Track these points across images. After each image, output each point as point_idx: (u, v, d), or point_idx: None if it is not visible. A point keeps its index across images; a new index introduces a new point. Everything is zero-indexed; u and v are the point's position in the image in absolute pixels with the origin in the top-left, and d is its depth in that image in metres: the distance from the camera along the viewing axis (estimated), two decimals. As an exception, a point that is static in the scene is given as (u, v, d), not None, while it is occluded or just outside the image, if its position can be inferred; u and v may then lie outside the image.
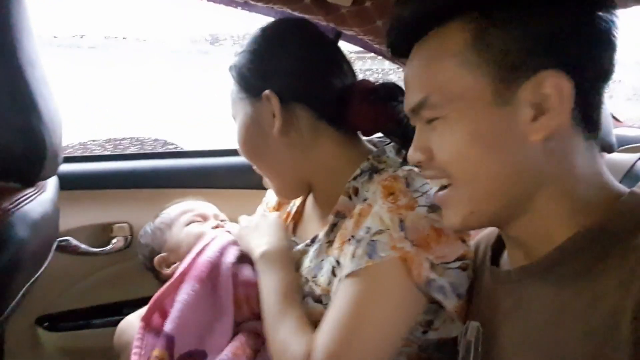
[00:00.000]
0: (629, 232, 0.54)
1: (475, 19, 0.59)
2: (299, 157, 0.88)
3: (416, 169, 0.77)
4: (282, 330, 0.78)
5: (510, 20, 0.57)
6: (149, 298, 1.04)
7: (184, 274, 0.90)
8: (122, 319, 1.05)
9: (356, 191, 0.84)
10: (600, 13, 0.57)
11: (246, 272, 0.91)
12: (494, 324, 0.66)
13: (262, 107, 0.85)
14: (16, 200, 0.66)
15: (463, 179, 0.62)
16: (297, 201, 1.03)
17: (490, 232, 0.79)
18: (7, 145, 0.66)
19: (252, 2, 1.15)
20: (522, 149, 0.58)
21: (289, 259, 0.89)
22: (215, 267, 0.90)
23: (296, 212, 1.02)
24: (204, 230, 1.05)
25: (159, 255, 1.09)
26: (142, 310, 0.98)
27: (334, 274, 0.80)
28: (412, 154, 0.66)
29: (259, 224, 0.95)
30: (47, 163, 0.71)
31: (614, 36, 0.58)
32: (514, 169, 0.59)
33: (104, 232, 1.34)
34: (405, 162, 0.83)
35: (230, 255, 0.93)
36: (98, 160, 1.41)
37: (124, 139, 1.90)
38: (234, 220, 1.30)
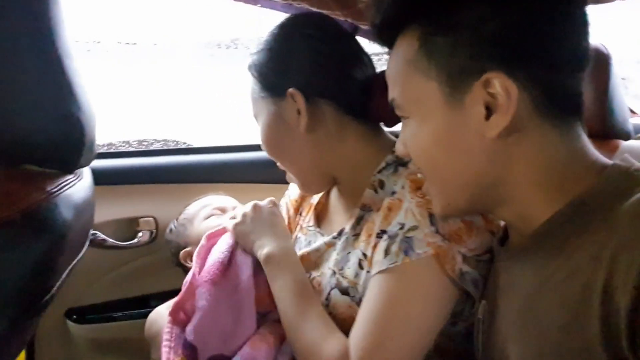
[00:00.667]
0: (608, 203, 0.55)
1: (422, 27, 0.63)
2: (325, 152, 0.88)
3: None
4: (307, 331, 0.78)
5: (453, 26, 0.60)
6: (174, 290, 1.05)
7: (195, 277, 0.89)
8: (148, 311, 1.06)
9: (382, 184, 0.84)
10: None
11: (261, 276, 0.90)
12: (494, 301, 0.68)
13: (286, 105, 0.85)
14: (59, 184, 0.68)
15: (430, 175, 0.67)
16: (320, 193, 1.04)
17: None
18: (47, 132, 0.68)
19: (272, -1, 1.17)
20: (482, 146, 0.61)
21: (295, 256, 0.89)
22: (226, 267, 0.89)
23: (319, 202, 1.02)
24: (222, 222, 1.07)
25: (184, 250, 1.12)
26: (171, 302, 0.99)
27: (360, 266, 0.81)
28: (397, 146, 0.72)
29: (255, 221, 0.92)
30: (84, 150, 0.73)
31: (575, 23, 0.60)
32: (476, 165, 0.62)
33: (130, 226, 1.36)
34: None
35: (245, 256, 0.92)
36: (124, 157, 1.44)
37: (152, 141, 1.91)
38: None
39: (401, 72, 0.66)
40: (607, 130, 1.12)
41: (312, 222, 1.00)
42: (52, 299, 0.71)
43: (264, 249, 0.88)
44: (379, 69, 0.91)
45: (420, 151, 0.66)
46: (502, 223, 0.76)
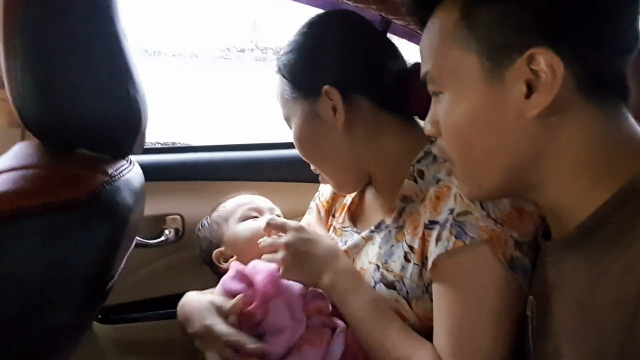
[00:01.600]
0: None
1: None
2: (363, 148, 0.87)
3: None
4: (393, 349, 0.76)
5: None
6: (201, 290, 1.05)
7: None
8: (175, 312, 1.02)
9: (421, 174, 0.83)
10: None
11: (313, 297, 0.90)
12: (543, 297, 0.65)
13: (321, 103, 0.84)
14: (118, 167, 0.66)
15: (462, 155, 0.64)
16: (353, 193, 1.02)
17: None
18: (105, 114, 0.66)
19: (305, -8, 1.16)
20: (520, 126, 0.58)
21: (354, 272, 0.85)
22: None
23: (352, 203, 1.01)
24: (259, 226, 1.04)
25: (217, 250, 1.09)
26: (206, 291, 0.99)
27: (407, 259, 0.80)
28: (425, 125, 0.69)
29: (297, 257, 0.85)
30: (140, 136, 0.71)
31: (628, 2, 0.58)
32: (513, 146, 0.60)
33: (156, 224, 1.33)
34: None
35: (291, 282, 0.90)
36: (151, 153, 1.41)
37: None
38: (286, 213, 1.31)
39: (438, 42, 0.64)
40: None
41: (346, 223, 0.99)
42: (112, 288, 0.68)
43: (322, 280, 0.84)
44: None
45: (453, 129, 0.63)
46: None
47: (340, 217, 1.01)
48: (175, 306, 1.23)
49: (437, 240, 0.73)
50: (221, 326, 0.83)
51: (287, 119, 0.92)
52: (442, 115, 0.64)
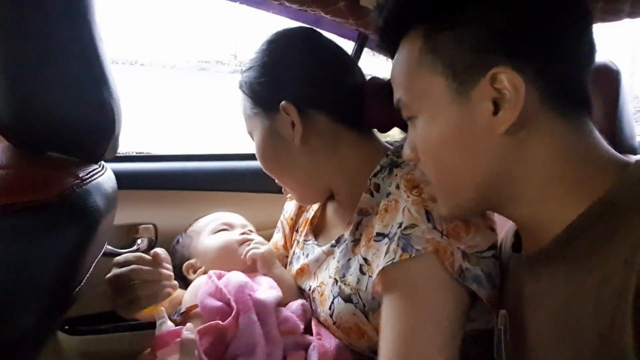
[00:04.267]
0: (635, 205, 0.53)
1: (426, 24, 0.63)
2: (322, 163, 0.88)
3: None
4: None
5: (458, 21, 0.60)
6: None
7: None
8: (145, 323, 1.03)
9: (377, 187, 0.83)
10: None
11: (288, 310, 0.90)
12: (519, 311, 0.66)
13: (279, 119, 0.85)
14: (90, 171, 0.65)
15: (439, 177, 0.66)
16: (315, 206, 1.03)
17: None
18: (78, 117, 0.65)
19: (288, 4, 1.17)
20: (491, 142, 0.60)
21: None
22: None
23: (314, 216, 1.02)
24: (230, 239, 1.07)
25: (187, 262, 1.10)
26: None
27: (362, 271, 0.81)
28: (404, 151, 0.71)
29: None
30: (112, 140, 0.70)
31: (580, 16, 0.60)
32: (487, 162, 0.61)
33: (128, 233, 1.31)
34: None
35: (265, 294, 0.90)
36: (125, 161, 1.39)
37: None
38: (260, 223, 1.30)
39: (407, 70, 0.66)
40: (616, 147, 1.14)
41: (309, 236, 1.00)
42: (79, 294, 0.66)
43: None
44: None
45: (429, 152, 0.65)
46: (513, 228, 0.75)
47: (303, 232, 1.03)
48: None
49: (385, 252, 0.73)
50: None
51: (250, 134, 0.93)
52: (418, 139, 0.66)
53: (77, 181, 0.60)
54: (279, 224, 1.15)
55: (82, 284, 0.66)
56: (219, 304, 0.87)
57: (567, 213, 0.58)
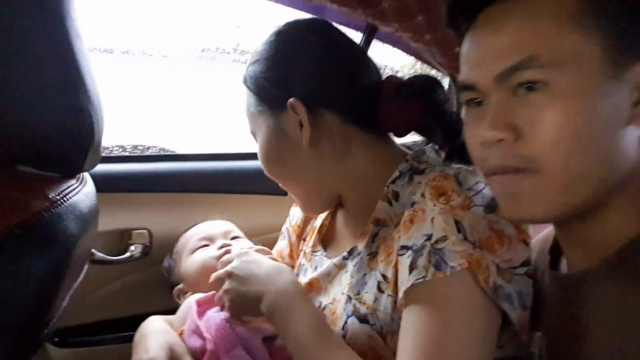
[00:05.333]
0: None
1: None
2: (331, 168, 0.81)
3: (466, 167, 0.72)
4: None
5: None
6: (169, 311, 0.99)
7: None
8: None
9: (396, 195, 0.77)
10: None
11: (279, 345, 0.83)
12: (560, 333, 0.62)
13: (286, 118, 0.79)
14: (63, 190, 0.57)
15: (554, 165, 0.54)
16: (323, 214, 0.96)
17: (545, 235, 0.75)
18: (51, 126, 0.57)
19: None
20: (619, 134, 0.53)
21: (299, 291, 0.78)
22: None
23: (322, 225, 0.95)
24: (207, 257, 1.02)
25: (176, 288, 1.07)
26: (168, 317, 0.95)
27: (380, 289, 0.74)
28: (491, 132, 0.56)
29: (239, 282, 0.82)
30: (92, 151, 0.62)
31: None
32: (608, 157, 0.54)
33: (121, 239, 1.25)
34: (447, 162, 0.78)
35: (253, 328, 0.84)
36: (116, 162, 1.32)
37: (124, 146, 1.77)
38: (263, 227, 1.22)
39: (552, 24, 0.54)
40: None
41: (317, 247, 0.93)
42: (57, 323, 0.59)
43: (263, 302, 0.78)
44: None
45: (552, 128, 0.53)
46: (548, 244, 0.70)
47: (310, 241, 0.96)
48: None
49: (412, 267, 0.66)
50: None
51: (253, 134, 0.87)
52: (536, 116, 0.54)
53: (46, 204, 0.52)
54: (284, 230, 1.08)
55: (59, 312, 0.59)
56: (199, 343, 0.82)
57: (630, 230, 0.54)
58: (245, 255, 0.85)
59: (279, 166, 0.85)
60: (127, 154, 1.49)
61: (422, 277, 0.64)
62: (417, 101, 0.78)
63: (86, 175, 0.69)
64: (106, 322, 1.25)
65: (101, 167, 1.24)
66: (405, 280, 0.67)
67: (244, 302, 0.81)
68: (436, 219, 0.67)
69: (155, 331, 0.88)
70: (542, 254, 0.71)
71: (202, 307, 0.88)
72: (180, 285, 1.05)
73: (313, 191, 0.85)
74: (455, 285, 0.64)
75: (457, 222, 0.65)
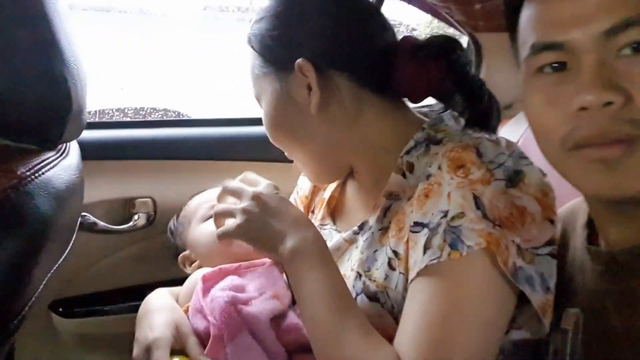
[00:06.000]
0: None
1: None
2: (341, 135, 0.78)
3: (488, 136, 0.68)
4: (347, 344, 0.64)
5: None
6: (174, 281, 0.96)
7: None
8: None
9: (411, 167, 0.73)
10: None
11: (290, 318, 0.78)
12: (600, 313, 0.59)
13: (294, 81, 0.75)
14: (35, 165, 0.52)
15: None
16: (332, 185, 0.91)
17: (572, 210, 0.72)
18: (24, 94, 0.53)
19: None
20: None
21: (326, 247, 0.73)
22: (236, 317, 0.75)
23: (331, 197, 0.91)
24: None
25: (182, 254, 1.01)
26: (174, 289, 0.91)
27: (391, 266, 0.71)
28: (596, 94, 0.51)
29: (263, 213, 0.74)
30: (71, 119, 0.57)
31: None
32: None
33: (124, 208, 1.22)
34: (466, 130, 0.73)
35: (260, 306, 0.78)
36: (117, 127, 1.28)
37: (127, 108, 1.71)
38: None
39: None
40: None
41: (326, 219, 0.89)
42: (38, 301, 0.57)
43: (286, 243, 0.71)
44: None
45: None
46: (583, 220, 0.67)
47: (319, 213, 0.92)
48: (146, 296, 1.17)
49: (426, 247, 0.63)
50: None
51: (258, 98, 0.82)
52: None
53: (13, 182, 0.47)
54: (292, 201, 1.03)
55: (38, 291, 0.55)
56: (204, 324, 0.78)
57: None
58: (261, 199, 0.76)
59: (285, 133, 0.80)
60: (129, 119, 1.44)
61: (437, 257, 0.62)
62: (435, 63, 0.73)
63: (70, 145, 0.63)
64: (111, 292, 1.23)
65: (102, 134, 1.26)
66: (419, 261, 0.64)
67: (261, 231, 0.74)
68: (453, 194, 0.63)
69: (161, 307, 0.85)
70: (573, 229, 0.69)
71: (208, 284, 0.84)
72: (187, 252, 1.01)
73: (321, 160, 0.81)
74: (471, 265, 0.61)
75: (475, 198, 0.62)
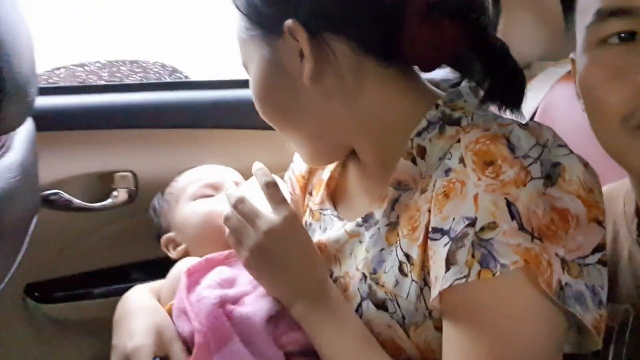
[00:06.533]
0: None
1: None
2: (339, 110, 0.70)
3: (519, 121, 0.61)
4: None
5: None
6: (158, 260, 0.95)
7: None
8: (129, 286, 0.88)
9: (423, 152, 0.66)
10: None
11: (289, 316, 0.70)
12: None
13: (283, 46, 0.68)
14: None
15: None
16: (331, 164, 0.85)
17: (609, 195, 0.65)
18: None
19: None
20: None
21: (339, 294, 0.70)
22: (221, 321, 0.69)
23: (331, 177, 0.84)
24: (214, 210, 0.88)
25: (166, 236, 0.94)
26: (154, 284, 0.85)
27: (402, 272, 0.64)
28: None
29: (274, 252, 0.69)
30: (9, 102, 0.46)
31: None
32: None
33: (102, 183, 1.13)
34: (483, 105, 0.67)
35: (255, 305, 0.71)
36: (91, 92, 1.17)
37: (121, 62, 1.58)
38: (268, 167, 1.12)
39: None
40: None
41: (326, 204, 0.82)
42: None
43: (300, 296, 0.69)
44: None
45: None
46: (631, 208, 0.64)
47: (318, 196, 0.85)
48: (129, 280, 1.15)
49: (449, 262, 0.57)
50: None
51: (245, 65, 0.75)
52: None
53: None
54: (286, 179, 0.96)
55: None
56: (189, 328, 0.71)
57: None
58: (286, 214, 0.70)
59: (274, 107, 0.74)
60: (104, 82, 1.33)
61: (464, 276, 0.55)
62: (451, 25, 0.65)
63: (14, 138, 0.52)
64: (92, 274, 1.16)
65: (75, 100, 1.14)
66: (441, 278, 0.57)
67: (270, 276, 0.70)
68: (481, 199, 0.56)
69: (141, 309, 0.78)
70: (612, 215, 0.66)
71: (193, 277, 0.76)
72: (172, 234, 0.94)
73: (316, 140, 0.75)
74: (508, 288, 0.55)
75: (509, 205, 0.55)
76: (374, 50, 0.68)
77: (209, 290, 0.72)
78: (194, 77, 1.74)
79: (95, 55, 1.66)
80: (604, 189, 0.67)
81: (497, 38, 0.69)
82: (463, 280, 0.55)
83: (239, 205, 0.71)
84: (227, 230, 0.73)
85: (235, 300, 0.71)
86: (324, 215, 0.81)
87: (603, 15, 0.51)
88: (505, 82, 0.66)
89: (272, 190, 0.71)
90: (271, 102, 0.73)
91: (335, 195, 0.83)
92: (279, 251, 0.69)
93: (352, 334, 0.66)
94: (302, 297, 0.68)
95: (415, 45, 0.67)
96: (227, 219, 0.73)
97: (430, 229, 0.61)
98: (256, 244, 0.69)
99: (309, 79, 0.67)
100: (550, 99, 1.05)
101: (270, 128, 1.18)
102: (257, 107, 0.75)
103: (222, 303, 0.69)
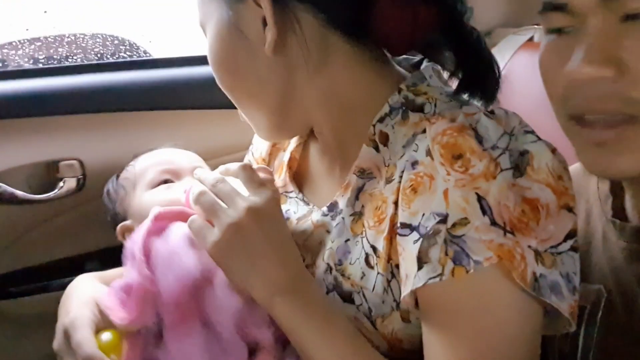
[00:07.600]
0: None
1: None
2: (301, 84, 0.68)
3: (485, 110, 0.60)
4: None
5: None
6: (111, 249, 0.90)
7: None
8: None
9: (385, 138, 0.66)
10: None
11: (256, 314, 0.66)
12: (626, 292, 0.60)
13: (245, 11, 0.66)
14: None
15: None
16: (292, 143, 0.82)
17: (581, 172, 0.68)
18: None
19: None
20: None
21: (319, 287, 0.67)
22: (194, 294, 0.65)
23: (291, 159, 0.81)
24: (173, 199, 0.83)
25: (122, 224, 0.90)
26: (104, 272, 0.84)
27: (368, 264, 0.64)
28: (588, 68, 0.51)
29: (252, 234, 0.63)
30: None
31: None
32: None
33: (47, 173, 1.10)
34: (451, 90, 0.66)
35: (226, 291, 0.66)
36: (30, 77, 1.13)
37: (62, 37, 1.44)
38: (216, 149, 1.12)
39: None
40: None
41: (290, 186, 0.80)
42: None
43: (273, 298, 0.64)
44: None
45: None
46: (605, 190, 0.66)
47: (280, 180, 0.82)
48: (84, 270, 1.03)
49: (422, 259, 0.56)
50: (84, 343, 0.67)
51: (203, 26, 0.72)
52: None
53: None
54: (246, 161, 0.92)
55: None
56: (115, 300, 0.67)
57: None
58: (268, 198, 0.65)
59: (230, 74, 0.70)
60: (44, 65, 1.24)
61: (438, 275, 0.55)
62: (426, 10, 0.64)
63: None
64: (44, 267, 1.13)
65: (10, 86, 1.08)
66: (413, 276, 0.57)
67: (233, 270, 0.65)
68: (452, 194, 0.56)
69: (80, 289, 0.77)
70: (584, 193, 0.68)
71: (162, 224, 0.71)
72: (128, 222, 0.90)
73: (273, 114, 0.71)
74: (483, 285, 0.55)
75: (480, 200, 0.55)
76: (342, 26, 0.66)
77: (184, 248, 0.67)
78: (152, 52, 1.66)
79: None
80: (576, 166, 0.66)
81: (474, 29, 0.67)
82: (437, 279, 0.55)
83: (218, 184, 0.66)
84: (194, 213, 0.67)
85: (210, 278, 0.67)
86: (289, 198, 0.79)
87: (546, 7, 0.54)
88: (479, 74, 0.65)
89: (249, 172, 0.66)
90: (227, 68, 0.70)
91: (297, 176, 0.80)
92: (258, 234, 0.63)
93: (342, 333, 0.63)
94: (283, 292, 0.63)
95: (386, 25, 0.65)
96: (201, 195, 0.67)
97: (398, 224, 0.60)
98: (234, 221, 0.62)
99: (270, 48, 0.64)
100: (511, 67, 1.03)
101: (225, 107, 1.15)
102: (214, 73, 0.71)
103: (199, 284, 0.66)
